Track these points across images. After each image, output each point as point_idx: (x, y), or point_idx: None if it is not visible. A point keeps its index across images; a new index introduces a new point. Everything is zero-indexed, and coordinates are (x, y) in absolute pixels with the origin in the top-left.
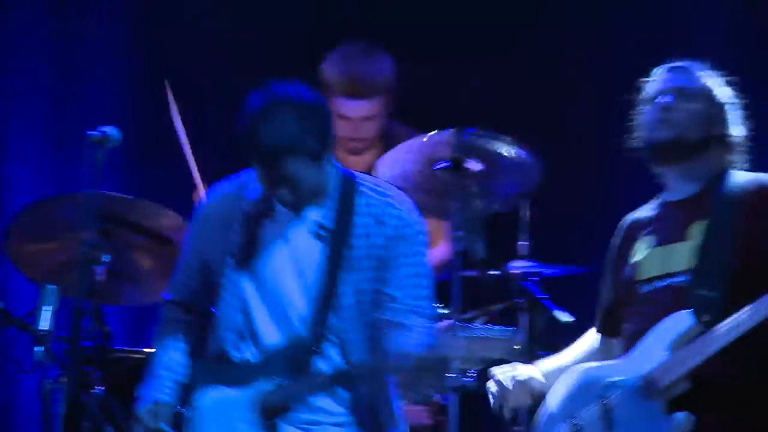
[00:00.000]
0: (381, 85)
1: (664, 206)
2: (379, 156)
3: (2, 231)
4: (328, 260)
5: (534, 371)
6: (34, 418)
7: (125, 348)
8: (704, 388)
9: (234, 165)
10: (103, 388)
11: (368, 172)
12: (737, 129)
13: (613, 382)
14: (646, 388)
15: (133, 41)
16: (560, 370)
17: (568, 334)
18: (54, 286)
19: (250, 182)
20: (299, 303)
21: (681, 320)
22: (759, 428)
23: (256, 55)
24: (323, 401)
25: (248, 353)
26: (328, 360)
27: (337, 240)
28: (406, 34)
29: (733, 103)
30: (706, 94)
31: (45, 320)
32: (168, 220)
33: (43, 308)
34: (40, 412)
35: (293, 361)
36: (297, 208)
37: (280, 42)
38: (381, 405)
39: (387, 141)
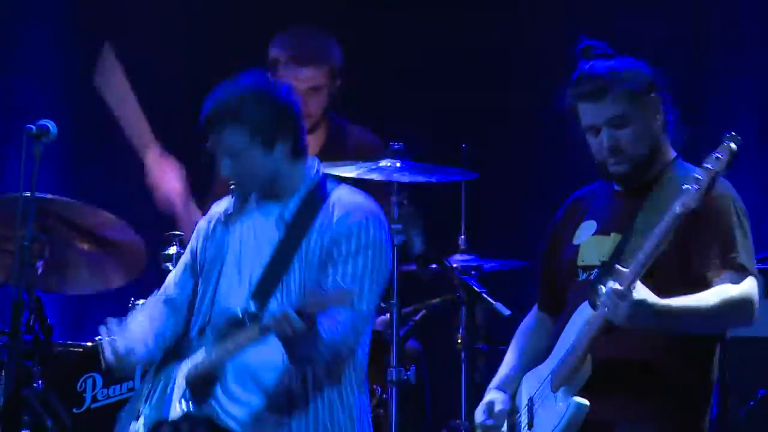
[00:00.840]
0: (327, 55)
1: (611, 192)
2: (322, 144)
3: None
4: (281, 247)
5: (498, 395)
6: None
7: (65, 342)
8: (607, 376)
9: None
10: (43, 382)
11: None
12: (671, 110)
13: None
14: (552, 380)
15: (68, 34)
16: (516, 376)
17: (508, 328)
18: None
19: None
20: (246, 285)
21: (584, 310)
22: (656, 415)
23: (198, 54)
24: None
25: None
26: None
27: (294, 231)
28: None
29: (660, 88)
30: (636, 104)
31: None
32: (103, 219)
33: None
34: None
35: (227, 335)
36: (243, 189)
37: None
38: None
39: (331, 132)
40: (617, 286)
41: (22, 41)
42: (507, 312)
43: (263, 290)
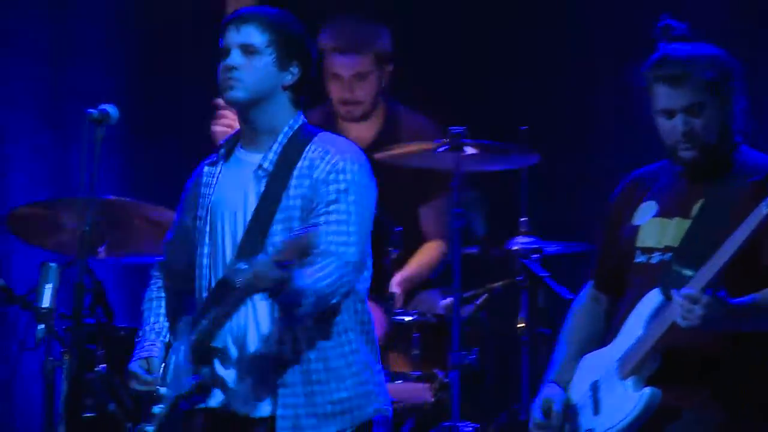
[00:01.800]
0: (371, 42)
1: (675, 175)
2: (378, 130)
3: (5, 214)
4: (263, 199)
5: (554, 390)
6: (37, 396)
7: (128, 326)
8: (673, 363)
9: None
10: (106, 365)
11: (367, 146)
12: (742, 99)
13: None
14: (621, 368)
15: (129, 17)
16: (570, 365)
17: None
18: (55, 264)
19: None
20: (231, 244)
21: (654, 298)
22: (723, 401)
23: None
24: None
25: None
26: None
27: (274, 181)
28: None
29: (736, 78)
30: (714, 93)
31: (47, 298)
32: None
33: (45, 286)
34: (42, 390)
35: (220, 298)
36: (239, 92)
37: None
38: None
39: (387, 119)
40: (692, 289)
41: (83, 26)
42: (569, 296)
43: (248, 249)
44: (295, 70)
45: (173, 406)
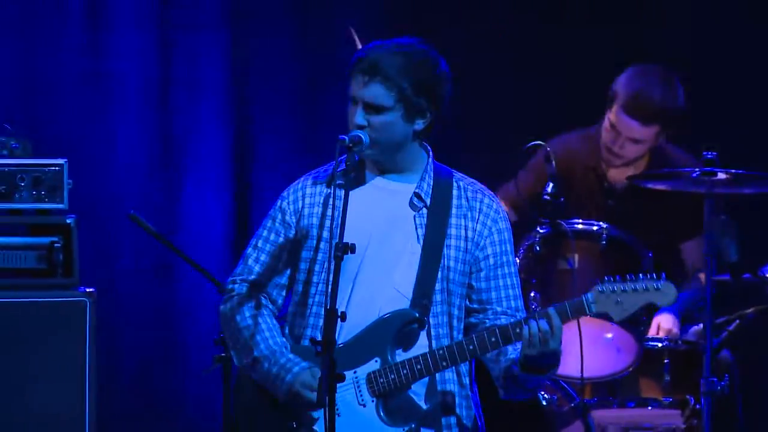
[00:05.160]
0: (663, 113)
1: None
2: (645, 165)
3: None
4: (430, 232)
5: None
6: None
7: None
8: None
9: None
10: None
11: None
12: None
13: None
14: None
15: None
16: None
17: None
18: None
19: (336, 164)
20: (399, 274)
21: None
22: None
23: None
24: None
25: (340, 333)
26: (434, 330)
27: (437, 213)
28: None
29: None
30: None
31: None
32: None
33: None
34: None
35: (399, 335)
36: (374, 149)
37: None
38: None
39: (656, 156)
40: None
41: (334, 56)
42: None
43: (424, 284)
44: (423, 120)
45: None
